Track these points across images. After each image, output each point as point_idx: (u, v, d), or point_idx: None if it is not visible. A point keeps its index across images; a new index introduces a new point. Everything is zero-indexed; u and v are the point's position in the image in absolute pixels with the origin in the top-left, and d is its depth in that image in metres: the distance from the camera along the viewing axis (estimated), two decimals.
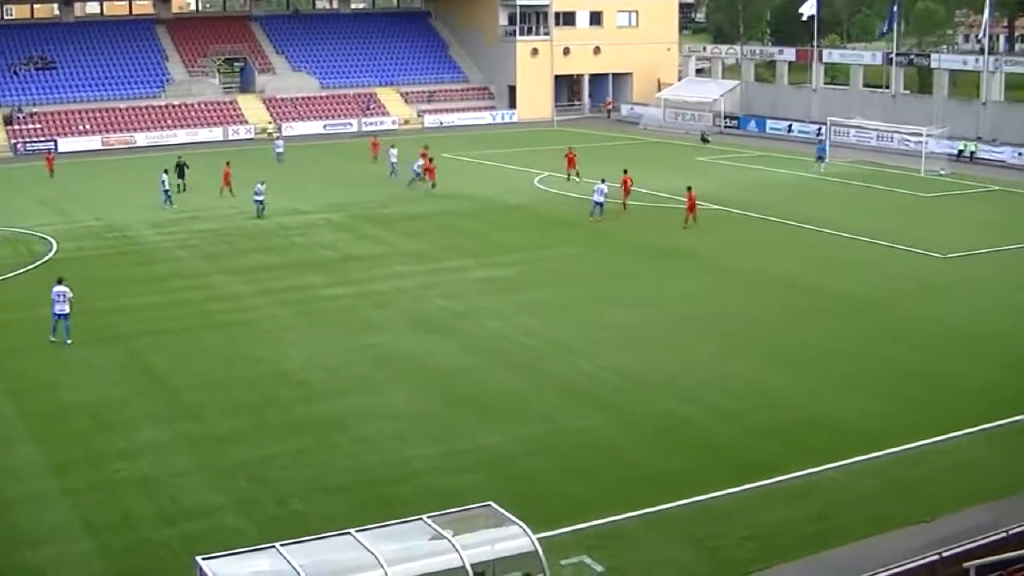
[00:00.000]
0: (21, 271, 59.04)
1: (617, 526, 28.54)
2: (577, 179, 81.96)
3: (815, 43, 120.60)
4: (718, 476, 31.51)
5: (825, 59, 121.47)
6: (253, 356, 44.07)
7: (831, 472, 31.75)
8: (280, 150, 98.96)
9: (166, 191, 75.89)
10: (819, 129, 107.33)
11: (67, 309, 45.13)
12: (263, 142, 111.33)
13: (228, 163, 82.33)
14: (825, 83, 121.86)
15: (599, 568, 24.90)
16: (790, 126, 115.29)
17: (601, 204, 67.21)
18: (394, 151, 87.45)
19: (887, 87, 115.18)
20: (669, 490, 30.54)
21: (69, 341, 45.15)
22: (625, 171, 71.45)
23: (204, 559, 21.54)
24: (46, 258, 61.70)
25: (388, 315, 49.35)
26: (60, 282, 45.91)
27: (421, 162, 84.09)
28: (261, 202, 72.28)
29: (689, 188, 66.86)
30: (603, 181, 67.56)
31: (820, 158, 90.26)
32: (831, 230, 64.72)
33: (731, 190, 78.37)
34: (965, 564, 23.49)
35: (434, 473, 32.61)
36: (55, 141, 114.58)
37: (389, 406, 38.18)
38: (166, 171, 77.91)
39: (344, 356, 43.76)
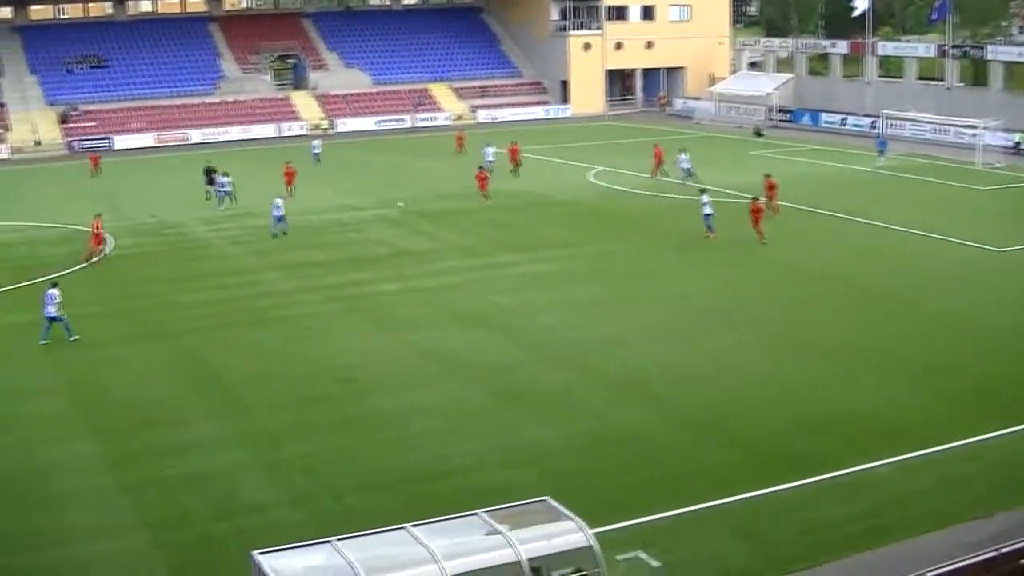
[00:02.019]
0: (78, 267, 59.26)
1: (670, 521, 28.40)
2: (664, 177, 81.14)
3: (868, 36, 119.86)
4: (768, 471, 31.29)
5: (879, 52, 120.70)
6: (303, 352, 44.17)
7: (882, 468, 31.43)
8: (317, 151, 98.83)
9: (227, 192, 75.59)
10: (873, 123, 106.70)
11: (55, 312, 45.55)
12: (317, 136, 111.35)
13: (290, 162, 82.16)
14: (879, 76, 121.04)
15: (655, 563, 24.73)
16: (844, 119, 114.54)
17: (710, 215, 61.34)
18: (491, 148, 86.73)
19: (941, 79, 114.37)
20: (720, 484, 30.37)
21: (75, 337, 45.73)
22: (767, 175, 68.84)
23: (260, 554, 21.55)
24: (102, 255, 61.94)
25: (437, 311, 49.32)
26: (55, 285, 46.43)
27: (493, 149, 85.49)
28: (281, 218, 66.82)
29: (767, 175, 67.10)
30: (705, 192, 63.44)
31: (881, 151, 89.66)
32: (882, 223, 64.17)
33: (784, 184, 77.83)
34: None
35: (484, 469, 32.59)
36: (110, 139, 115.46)
37: (439, 402, 38.20)
38: (226, 173, 77.69)
39: (393, 352, 43.77)
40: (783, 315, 47.10)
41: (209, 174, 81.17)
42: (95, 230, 61.02)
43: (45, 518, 30.20)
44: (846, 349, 42.36)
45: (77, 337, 45.40)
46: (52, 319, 45.37)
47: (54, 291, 45.63)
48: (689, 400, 37.52)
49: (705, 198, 60.72)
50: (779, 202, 66.08)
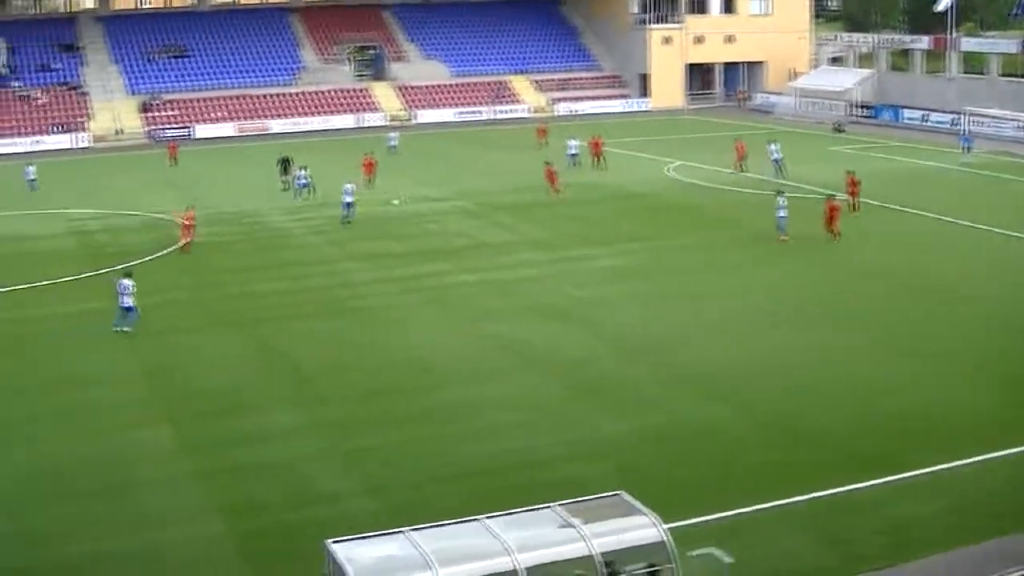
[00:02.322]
0: (157, 255, 59.76)
1: (744, 517, 28.24)
2: (744, 172, 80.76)
3: (951, 31, 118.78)
4: (844, 469, 31.01)
5: (962, 48, 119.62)
6: (380, 342, 44.29)
7: (962, 467, 31.05)
8: (394, 143, 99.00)
9: (304, 184, 75.84)
10: (954, 119, 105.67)
11: (131, 302, 45.57)
12: (395, 129, 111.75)
13: (371, 153, 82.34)
14: (961, 72, 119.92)
15: (728, 559, 24.60)
16: (925, 116, 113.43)
17: (784, 218, 59.66)
18: (574, 142, 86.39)
19: None
20: (795, 482, 30.15)
21: (127, 329, 45.62)
22: (850, 172, 68.09)
23: (333, 543, 21.61)
24: (182, 243, 62.43)
25: (514, 303, 49.31)
26: (128, 276, 46.37)
27: (576, 142, 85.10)
28: (350, 205, 67.97)
29: (850, 172, 66.33)
30: (781, 194, 61.19)
31: (967, 148, 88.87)
32: (958, 220, 63.54)
33: (865, 180, 77.20)
34: None
35: (560, 462, 32.49)
36: (190, 128, 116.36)
37: (514, 394, 38.19)
38: (304, 167, 78.02)
39: (470, 344, 43.84)
40: (863, 313, 46.63)
41: (284, 164, 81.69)
42: (187, 221, 61.39)
43: (121, 504, 30.48)
44: (925, 347, 41.96)
45: (127, 329, 45.39)
46: (127, 309, 45.55)
47: (127, 281, 45.75)
48: (764, 396, 37.27)
49: (782, 200, 60.12)
50: (860, 199, 65.51)
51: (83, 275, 56.05)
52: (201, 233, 64.68)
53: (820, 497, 29.28)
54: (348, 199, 67.55)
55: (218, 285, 53.59)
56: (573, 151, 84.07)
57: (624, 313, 47.37)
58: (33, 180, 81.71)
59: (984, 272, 52.85)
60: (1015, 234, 59.47)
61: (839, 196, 61.68)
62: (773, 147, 78.62)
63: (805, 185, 74.28)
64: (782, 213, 59.27)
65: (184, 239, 61.17)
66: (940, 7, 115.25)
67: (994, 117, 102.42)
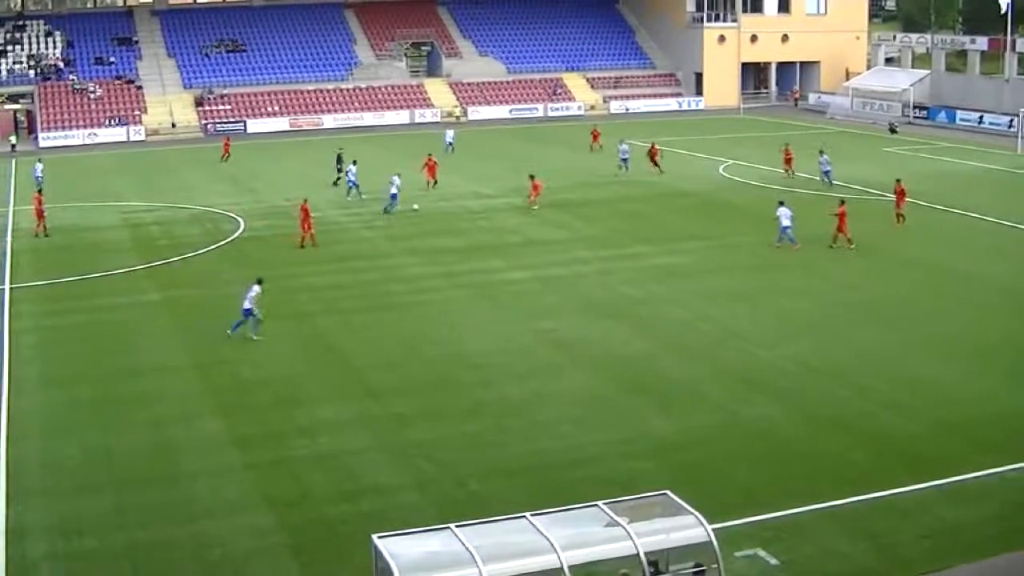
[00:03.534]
0: (209, 248, 60.14)
1: (791, 519, 28.14)
2: (793, 177, 79.95)
3: (1009, 32, 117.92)
4: (894, 471, 30.92)
5: (1019, 49, 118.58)
6: (432, 337, 44.38)
7: (1012, 472, 30.90)
8: (450, 140, 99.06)
9: (353, 182, 75.32)
10: (1011, 121, 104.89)
11: (249, 306, 44.44)
12: (450, 126, 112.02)
13: (432, 154, 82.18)
14: (1018, 74, 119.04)
15: (773, 561, 24.61)
16: (981, 117, 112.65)
17: (787, 228, 58.84)
18: (625, 146, 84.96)
19: None
20: (844, 484, 30.05)
21: (254, 336, 44.49)
22: (899, 180, 65.48)
23: (380, 537, 21.72)
24: (233, 236, 62.89)
25: (567, 300, 49.31)
26: (259, 282, 45.08)
27: (627, 146, 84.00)
28: (395, 196, 69.32)
29: (898, 180, 65.18)
30: (783, 204, 60.34)
31: None
32: (1014, 223, 63.27)
33: (916, 181, 76.67)
34: None
35: (609, 459, 32.48)
36: (244, 122, 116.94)
37: (566, 391, 38.19)
38: (354, 162, 78.00)
39: (522, 340, 43.87)
40: (917, 314, 46.44)
41: (340, 160, 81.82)
42: (303, 215, 60.88)
43: (171, 494, 30.75)
44: (984, 350, 41.67)
45: (260, 338, 44.35)
46: (247, 313, 44.56)
47: (257, 287, 44.65)
48: (818, 397, 37.15)
49: (784, 210, 59.07)
50: (909, 200, 64.96)
51: (135, 268, 56.35)
52: (257, 227, 65.06)
53: (868, 500, 29.15)
54: (393, 190, 68.58)
55: (272, 278, 53.56)
56: (624, 155, 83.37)
57: (677, 311, 47.35)
58: (40, 177, 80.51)
59: None
60: None
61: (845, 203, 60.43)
62: (823, 158, 77.21)
63: (855, 185, 74.00)
64: (785, 222, 58.57)
65: (304, 235, 60.74)
66: (1003, 7, 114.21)
67: None
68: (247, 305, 44.16)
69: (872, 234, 59.39)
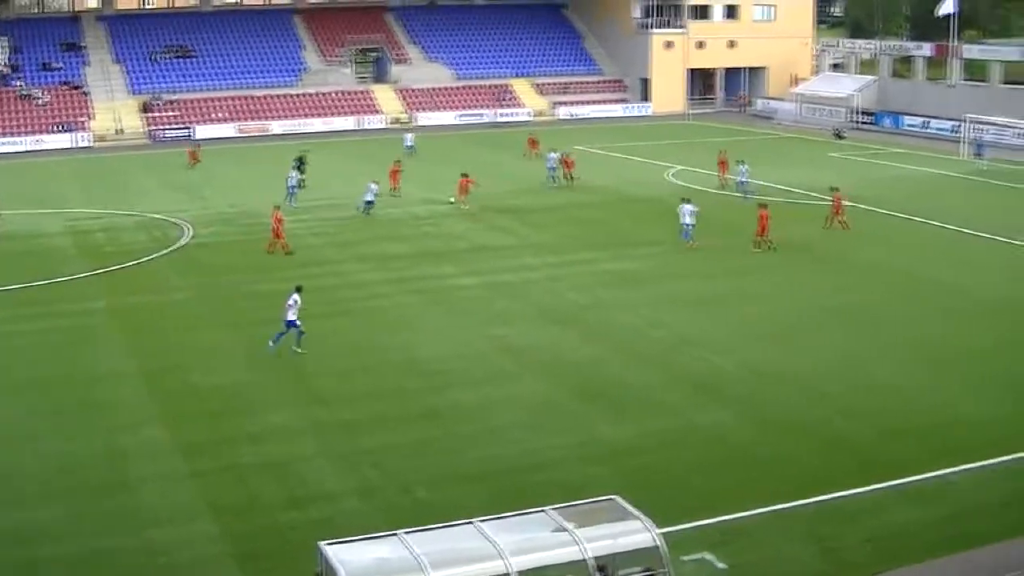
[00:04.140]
0: (156, 255, 59.87)
1: (740, 523, 28.26)
2: (725, 182, 79.30)
3: (953, 38, 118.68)
4: (845, 475, 31.10)
5: (964, 55, 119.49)
6: (382, 344, 44.31)
7: (961, 475, 31.09)
8: (410, 143, 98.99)
9: (292, 187, 74.93)
10: (955, 126, 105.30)
11: (292, 317, 43.02)
12: (396, 132, 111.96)
13: (398, 161, 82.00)
14: (963, 79, 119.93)
15: (721, 565, 24.70)
16: (926, 123, 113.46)
17: (690, 226, 60.41)
18: (554, 155, 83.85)
19: None
20: (793, 488, 30.22)
21: (298, 349, 43.39)
22: (836, 189, 66.06)
23: (327, 544, 21.69)
24: (180, 243, 62.63)
25: (517, 306, 49.35)
26: (298, 290, 43.70)
27: (556, 155, 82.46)
28: (371, 202, 70.16)
29: (835, 189, 65.31)
30: (687, 201, 61.61)
31: (979, 154, 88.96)
32: (962, 227, 63.78)
33: (863, 186, 77.42)
34: None
35: (560, 465, 32.52)
36: (191, 128, 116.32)
37: (517, 397, 38.24)
38: (295, 169, 77.83)
39: (473, 346, 43.89)
40: (862, 318, 46.74)
41: (302, 161, 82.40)
42: (275, 223, 60.47)
43: (119, 502, 30.61)
44: (929, 353, 42.10)
45: (303, 351, 43.06)
46: (290, 324, 43.34)
47: (296, 296, 43.37)
48: (771, 402, 37.32)
49: (688, 207, 60.15)
50: (858, 205, 65.31)
51: (81, 275, 56.06)
52: (203, 233, 64.83)
53: (817, 503, 29.30)
54: (369, 196, 69.82)
55: (219, 285, 53.64)
56: (552, 164, 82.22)
57: (628, 317, 47.43)
58: None
59: (992, 279, 53.03)
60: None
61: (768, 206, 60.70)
62: (743, 168, 76.06)
63: (798, 190, 74.34)
64: (688, 220, 59.55)
65: (274, 242, 60.36)
66: (941, 12, 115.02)
67: (995, 124, 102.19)
68: (290, 317, 42.93)
69: (816, 239, 59.67)
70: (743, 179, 74.81)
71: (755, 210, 60.02)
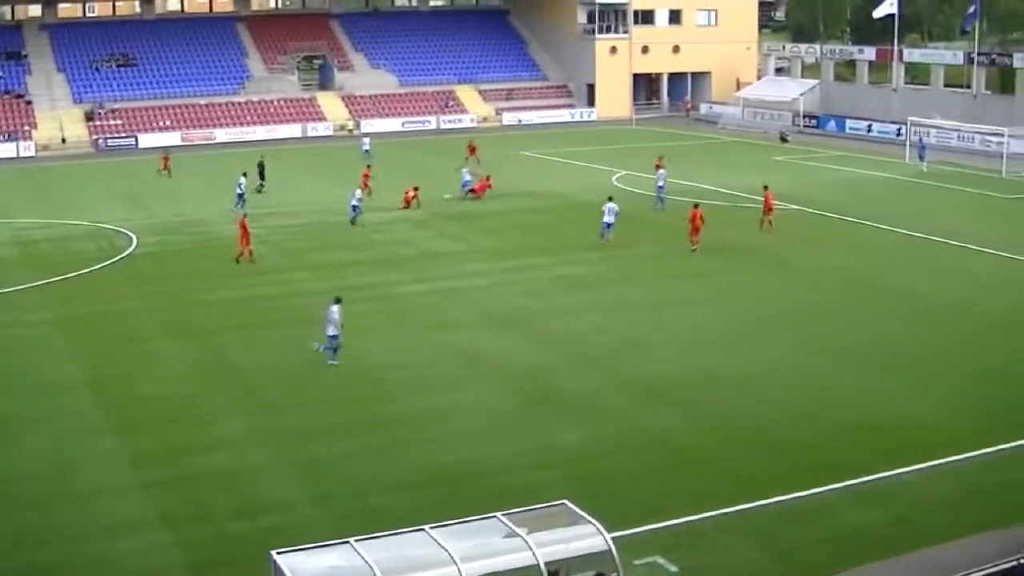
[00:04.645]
0: (103, 264, 59.58)
1: (692, 526, 28.35)
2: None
3: (896, 42, 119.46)
4: (794, 477, 31.29)
5: (906, 58, 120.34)
6: None
7: (910, 475, 31.33)
8: (367, 148, 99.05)
9: (240, 194, 74.77)
10: (899, 129, 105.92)
11: (334, 331, 42.43)
12: (341, 139, 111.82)
13: (369, 166, 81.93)
14: (906, 83, 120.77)
15: (673, 568, 24.81)
16: (870, 126, 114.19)
17: (609, 225, 62.14)
18: (466, 170, 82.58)
19: (968, 87, 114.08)
20: (745, 491, 30.35)
21: (333, 362, 42.57)
22: (766, 187, 66.25)
23: (279, 553, 21.67)
24: (127, 252, 62.33)
25: (466, 312, 49.39)
26: (338, 301, 42.88)
27: (470, 179, 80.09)
28: (356, 207, 69.78)
29: (766, 187, 66.13)
30: (612, 199, 63.38)
31: (921, 157, 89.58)
32: (906, 230, 64.21)
33: (808, 189, 77.96)
34: None
35: (510, 471, 32.61)
36: (135, 137, 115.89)
37: (467, 404, 38.30)
38: (244, 174, 77.69)
39: (422, 353, 43.86)
40: (810, 321, 47.06)
41: (262, 169, 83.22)
42: (241, 230, 59.97)
43: (66, 514, 30.39)
44: (876, 356, 42.44)
45: (336, 363, 42.37)
46: (332, 338, 42.74)
47: (336, 307, 42.98)
48: (718, 406, 37.53)
49: (611, 206, 61.75)
50: (794, 207, 65.63)
51: (27, 285, 55.69)
52: (149, 242, 64.54)
53: (769, 505, 29.43)
54: (354, 202, 69.57)
55: (167, 294, 53.39)
56: (467, 178, 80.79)
57: (577, 322, 47.54)
58: None
59: (944, 282, 53.57)
60: (970, 246, 60.16)
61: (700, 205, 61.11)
62: (661, 172, 75.02)
63: (743, 194, 74.63)
64: (609, 219, 61.16)
65: (243, 249, 59.80)
66: (880, 13, 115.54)
67: (938, 127, 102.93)
68: (332, 331, 42.35)
69: (763, 243, 59.97)
70: (660, 183, 73.22)
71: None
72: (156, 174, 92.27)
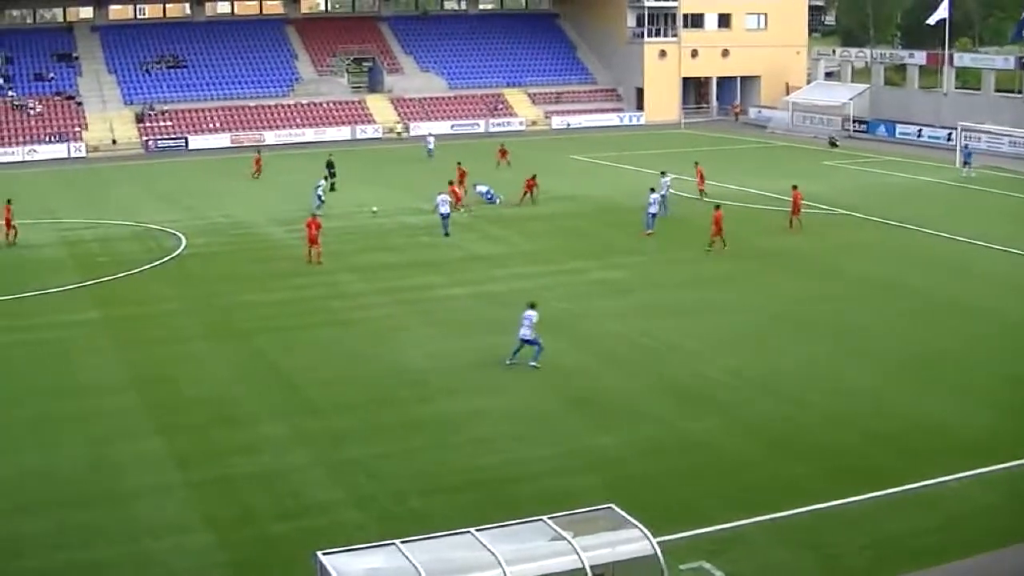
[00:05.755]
0: (150, 266, 59.76)
1: (735, 531, 28.21)
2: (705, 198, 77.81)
3: (946, 47, 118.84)
4: (834, 482, 31.11)
5: (956, 63, 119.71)
6: (372, 354, 44.23)
7: (952, 483, 31.09)
8: (431, 147, 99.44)
9: (320, 196, 74.81)
10: (949, 135, 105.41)
11: (529, 335, 41.71)
12: (390, 141, 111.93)
13: (461, 163, 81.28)
14: (956, 87, 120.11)
15: (719, 574, 24.63)
16: (920, 131, 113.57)
17: (652, 215, 65.20)
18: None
19: (1020, 92, 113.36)
20: (786, 496, 30.20)
21: (534, 364, 41.84)
22: (795, 187, 66.84)
23: (324, 554, 21.62)
24: (175, 253, 62.52)
25: (507, 316, 49.00)
26: (532, 307, 42.19)
27: (484, 189, 79.19)
28: (446, 215, 66.88)
29: (795, 187, 66.11)
30: (654, 191, 65.54)
31: (967, 162, 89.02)
32: (951, 235, 63.96)
33: (856, 195, 77.53)
34: None
35: (550, 474, 32.46)
36: (185, 139, 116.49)
37: (506, 407, 38.18)
38: (325, 177, 79.29)
39: (462, 356, 43.78)
40: (857, 326, 46.69)
41: (330, 167, 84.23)
42: (310, 231, 60.22)
43: (110, 513, 30.45)
44: (923, 362, 42.05)
45: (537, 365, 41.79)
46: (525, 341, 42.07)
47: (532, 312, 41.92)
48: (760, 410, 37.27)
49: (654, 196, 63.68)
50: (822, 212, 65.20)
51: (73, 286, 55.91)
52: (197, 244, 64.73)
53: (810, 511, 29.27)
54: (444, 209, 66.90)
55: (211, 296, 53.51)
56: (481, 188, 79.79)
57: (620, 326, 47.38)
58: None
59: (981, 286, 53.09)
60: (1012, 250, 59.73)
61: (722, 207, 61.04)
62: (665, 180, 73.84)
63: (787, 197, 74.17)
64: (653, 209, 62.66)
65: (312, 247, 60.09)
66: (934, 19, 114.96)
67: (989, 133, 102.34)
68: (529, 336, 41.80)
69: (806, 248, 59.65)
70: (663, 192, 71.71)
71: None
72: (251, 177, 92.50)
